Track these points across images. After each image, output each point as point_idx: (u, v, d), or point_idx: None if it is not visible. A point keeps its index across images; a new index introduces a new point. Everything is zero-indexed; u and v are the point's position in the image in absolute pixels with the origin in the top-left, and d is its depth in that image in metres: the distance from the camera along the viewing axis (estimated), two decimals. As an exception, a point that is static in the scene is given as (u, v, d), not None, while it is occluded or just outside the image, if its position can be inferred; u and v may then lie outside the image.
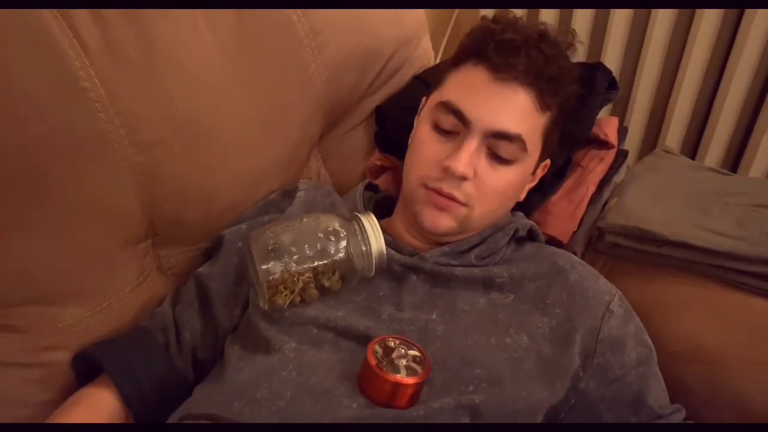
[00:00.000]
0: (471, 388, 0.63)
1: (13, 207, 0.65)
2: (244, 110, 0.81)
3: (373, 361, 0.59)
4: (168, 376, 0.71)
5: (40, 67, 0.63)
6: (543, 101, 0.73)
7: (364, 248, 0.66)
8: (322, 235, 0.66)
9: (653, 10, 1.35)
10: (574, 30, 0.82)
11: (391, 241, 0.76)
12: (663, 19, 1.34)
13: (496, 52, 0.72)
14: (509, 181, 0.74)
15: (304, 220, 0.68)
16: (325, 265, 0.65)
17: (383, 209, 0.84)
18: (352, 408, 0.59)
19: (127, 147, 0.70)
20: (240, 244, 0.77)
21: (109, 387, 0.69)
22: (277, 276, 0.64)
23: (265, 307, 0.66)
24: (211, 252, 0.80)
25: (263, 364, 0.65)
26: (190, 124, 0.75)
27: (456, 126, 0.72)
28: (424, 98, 0.83)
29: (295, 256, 0.64)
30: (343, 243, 0.66)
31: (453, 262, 0.74)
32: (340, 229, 0.66)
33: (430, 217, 0.74)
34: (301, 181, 0.86)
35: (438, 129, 0.74)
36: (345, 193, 0.88)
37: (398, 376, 0.59)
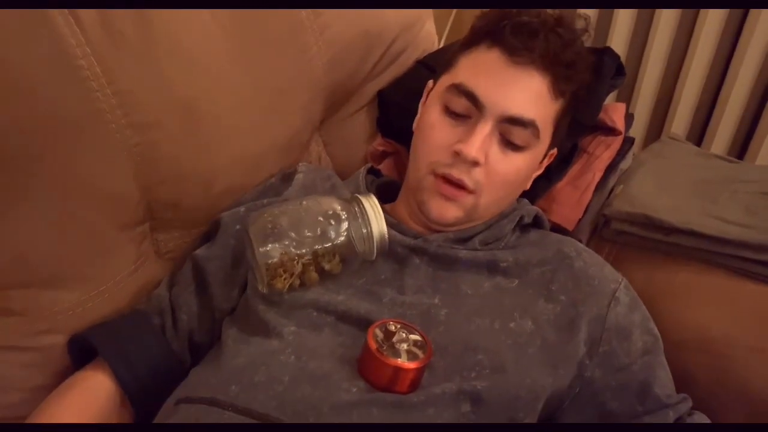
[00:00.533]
0: (473, 374, 0.62)
1: (7, 188, 0.64)
2: (243, 92, 0.79)
3: (373, 345, 0.58)
4: (164, 359, 0.70)
5: (35, 44, 0.62)
6: (557, 87, 0.72)
7: (364, 231, 0.64)
8: (321, 219, 0.65)
9: (661, -4, 1.33)
10: (588, 16, 0.80)
11: (395, 223, 0.75)
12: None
13: (513, 34, 0.70)
14: (519, 168, 0.73)
15: (304, 202, 0.67)
16: (325, 248, 0.64)
17: (386, 194, 0.83)
18: (351, 392, 0.58)
19: (124, 128, 0.68)
20: (238, 226, 0.75)
21: (105, 370, 0.68)
22: (275, 259, 0.63)
23: (264, 291, 0.65)
24: (209, 235, 0.79)
25: (261, 348, 0.64)
26: (188, 105, 0.74)
27: (468, 109, 0.71)
28: (430, 82, 0.81)
29: (294, 240, 0.63)
30: (344, 225, 0.64)
31: (457, 246, 0.73)
32: (340, 212, 0.64)
33: (437, 207, 0.72)
34: (300, 164, 0.84)
35: (449, 112, 0.73)
36: (346, 178, 0.86)
37: (399, 361, 0.58)
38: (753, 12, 1.26)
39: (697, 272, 0.81)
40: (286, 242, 0.62)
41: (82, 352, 0.70)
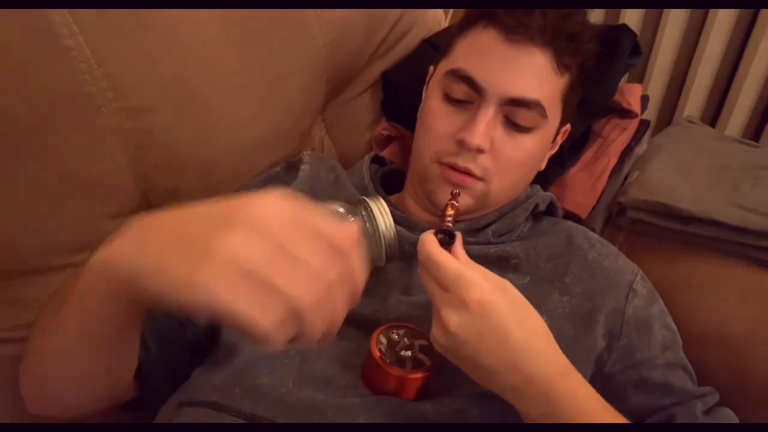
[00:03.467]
0: None
1: (-6, 173, 0.61)
2: (240, 75, 0.76)
3: (377, 354, 0.56)
4: (174, 327, 0.66)
5: (19, 23, 0.59)
6: (561, 62, 0.68)
7: (373, 234, 0.61)
8: None
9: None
10: None
11: (402, 217, 0.71)
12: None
13: (507, 12, 0.67)
14: (529, 150, 0.70)
15: None
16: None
17: (391, 183, 0.80)
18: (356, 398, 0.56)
19: (116, 112, 0.65)
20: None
21: None
22: None
23: None
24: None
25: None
26: (181, 88, 0.70)
27: (468, 95, 0.68)
28: (431, 68, 0.78)
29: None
30: None
31: (469, 239, 0.70)
32: (348, 218, 0.61)
33: (446, 197, 0.69)
34: (304, 153, 0.81)
35: (449, 99, 0.69)
36: (349, 163, 0.83)
37: (403, 370, 0.56)
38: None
39: (716, 264, 0.79)
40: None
41: None
